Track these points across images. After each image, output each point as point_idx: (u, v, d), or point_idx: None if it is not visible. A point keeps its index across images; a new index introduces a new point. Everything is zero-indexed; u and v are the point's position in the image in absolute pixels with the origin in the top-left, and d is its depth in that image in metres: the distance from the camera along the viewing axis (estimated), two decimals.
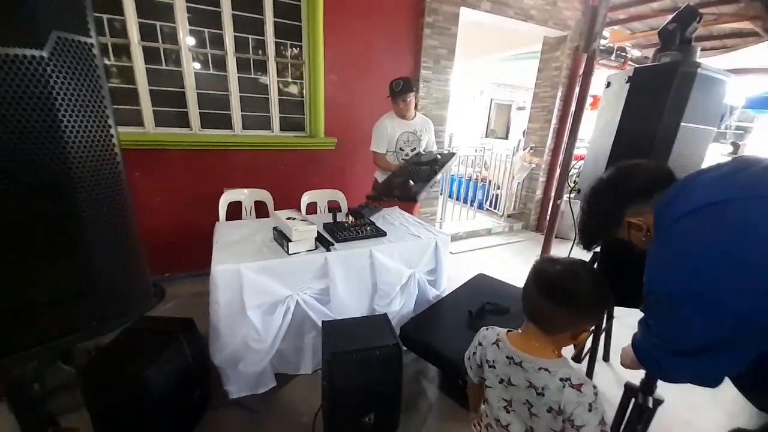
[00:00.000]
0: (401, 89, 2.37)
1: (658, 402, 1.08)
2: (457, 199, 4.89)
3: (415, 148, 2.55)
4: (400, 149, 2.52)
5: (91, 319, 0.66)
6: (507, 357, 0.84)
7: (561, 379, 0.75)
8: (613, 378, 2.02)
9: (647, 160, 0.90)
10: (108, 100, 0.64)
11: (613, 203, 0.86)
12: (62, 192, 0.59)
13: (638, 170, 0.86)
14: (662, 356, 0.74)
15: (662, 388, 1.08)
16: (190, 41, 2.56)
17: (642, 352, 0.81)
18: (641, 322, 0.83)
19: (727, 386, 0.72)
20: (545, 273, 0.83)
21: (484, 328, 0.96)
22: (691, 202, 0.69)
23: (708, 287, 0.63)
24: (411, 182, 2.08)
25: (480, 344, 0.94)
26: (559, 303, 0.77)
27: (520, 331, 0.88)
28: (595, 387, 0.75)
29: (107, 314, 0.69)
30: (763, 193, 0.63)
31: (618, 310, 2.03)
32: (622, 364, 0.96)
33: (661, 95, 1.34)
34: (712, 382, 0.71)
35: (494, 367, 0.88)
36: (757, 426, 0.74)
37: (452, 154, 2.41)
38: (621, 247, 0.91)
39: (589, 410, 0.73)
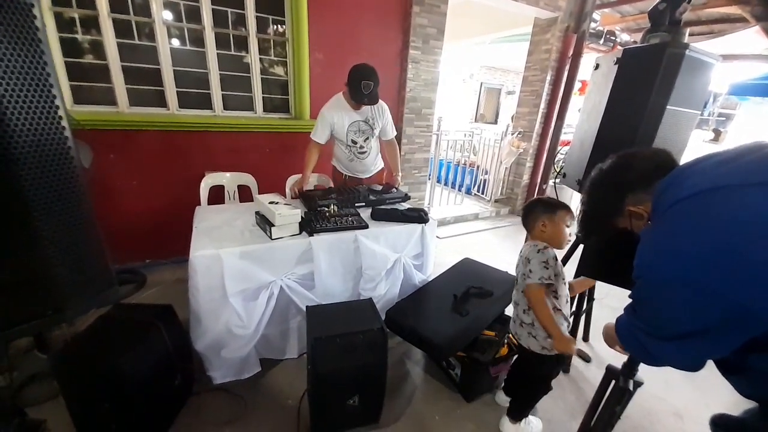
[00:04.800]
0: (369, 96, 2.00)
1: (638, 384, 1.10)
2: (445, 184, 4.88)
3: (368, 138, 2.27)
4: (353, 141, 2.24)
5: (45, 308, 0.61)
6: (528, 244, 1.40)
7: (532, 245, 1.35)
8: (593, 357, 2.09)
9: (647, 147, 0.89)
10: (51, 67, 0.57)
11: (614, 193, 0.85)
12: (2, 169, 0.53)
13: (638, 159, 0.85)
14: (646, 340, 0.75)
15: (640, 367, 1.10)
16: (165, 14, 2.41)
17: (626, 335, 0.82)
18: (628, 307, 0.83)
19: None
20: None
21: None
22: (685, 188, 0.68)
23: (696, 274, 0.62)
24: (332, 196, 2.05)
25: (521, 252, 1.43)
26: (526, 216, 1.42)
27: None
28: (546, 247, 1.32)
29: (64, 303, 0.64)
30: (757, 180, 0.62)
31: (597, 293, 2.08)
32: (606, 342, 0.98)
33: (648, 77, 1.32)
34: (694, 367, 0.71)
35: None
36: (740, 412, 0.75)
37: (405, 196, 2.25)
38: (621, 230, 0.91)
39: (537, 251, 1.31)
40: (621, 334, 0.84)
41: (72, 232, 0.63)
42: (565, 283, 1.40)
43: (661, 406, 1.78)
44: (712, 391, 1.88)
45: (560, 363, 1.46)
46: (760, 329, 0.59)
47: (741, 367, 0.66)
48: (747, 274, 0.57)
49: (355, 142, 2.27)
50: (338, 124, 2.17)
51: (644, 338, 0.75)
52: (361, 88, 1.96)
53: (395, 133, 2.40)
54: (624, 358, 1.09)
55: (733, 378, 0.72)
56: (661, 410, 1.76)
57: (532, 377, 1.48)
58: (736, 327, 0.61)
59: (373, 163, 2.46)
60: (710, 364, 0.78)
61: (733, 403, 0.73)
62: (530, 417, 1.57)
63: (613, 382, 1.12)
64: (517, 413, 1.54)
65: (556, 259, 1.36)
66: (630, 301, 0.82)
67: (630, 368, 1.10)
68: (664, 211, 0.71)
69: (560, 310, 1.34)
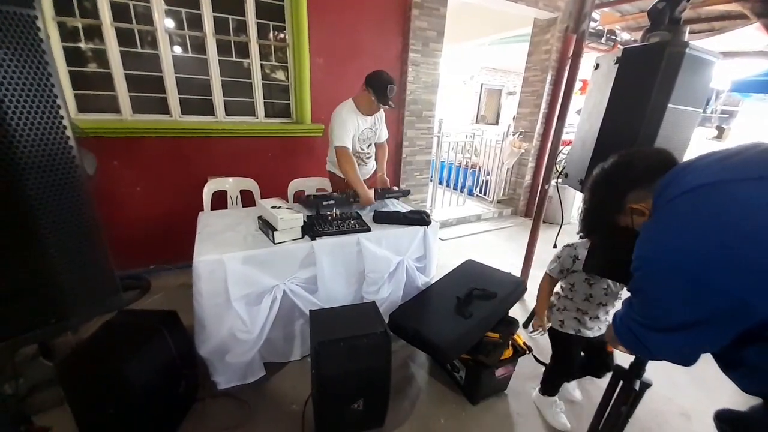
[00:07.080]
0: (393, 96, 2.15)
1: (646, 385, 1.09)
2: (447, 186, 4.88)
3: (371, 144, 2.39)
4: (361, 148, 2.32)
5: (49, 316, 0.62)
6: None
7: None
8: None
9: (648, 146, 0.90)
10: (56, 78, 0.58)
11: (615, 190, 0.87)
12: (7, 178, 0.53)
13: (639, 157, 0.87)
14: (641, 331, 0.76)
15: (647, 368, 1.09)
16: (167, 22, 2.44)
17: (622, 327, 0.82)
18: (625, 300, 0.84)
19: (706, 364, 0.73)
20: None
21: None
22: (684, 184, 0.70)
23: (690, 265, 0.63)
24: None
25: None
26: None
27: None
28: (571, 245, 1.49)
29: (67, 310, 0.65)
30: (751, 175, 0.63)
31: None
32: (608, 341, 0.98)
33: (649, 76, 1.32)
34: (687, 359, 0.72)
35: None
36: (747, 408, 0.75)
37: (407, 191, 2.44)
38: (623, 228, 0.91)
39: (563, 247, 1.52)
40: (617, 326, 0.84)
41: (77, 239, 0.64)
42: (587, 281, 1.47)
43: (668, 406, 1.76)
44: (719, 390, 1.85)
45: (573, 342, 1.55)
46: (753, 320, 0.60)
47: (739, 362, 0.68)
48: (739, 265, 0.59)
49: (362, 149, 2.33)
50: (354, 129, 2.21)
51: (639, 330, 0.76)
52: (387, 92, 2.13)
53: (387, 135, 2.50)
54: (631, 359, 1.08)
55: (733, 374, 0.73)
56: (668, 411, 1.74)
57: (554, 351, 1.67)
58: (729, 318, 0.62)
59: (372, 167, 2.50)
60: (715, 364, 0.77)
61: (741, 402, 0.73)
62: (557, 405, 1.67)
63: (621, 383, 1.11)
64: (543, 386, 1.72)
65: (577, 258, 1.44)
66: (628, 295, 0.83)
67: (637, 369, 1.09)
68: (664, 205, 0.73)
69: (570, 299, 1.53)
